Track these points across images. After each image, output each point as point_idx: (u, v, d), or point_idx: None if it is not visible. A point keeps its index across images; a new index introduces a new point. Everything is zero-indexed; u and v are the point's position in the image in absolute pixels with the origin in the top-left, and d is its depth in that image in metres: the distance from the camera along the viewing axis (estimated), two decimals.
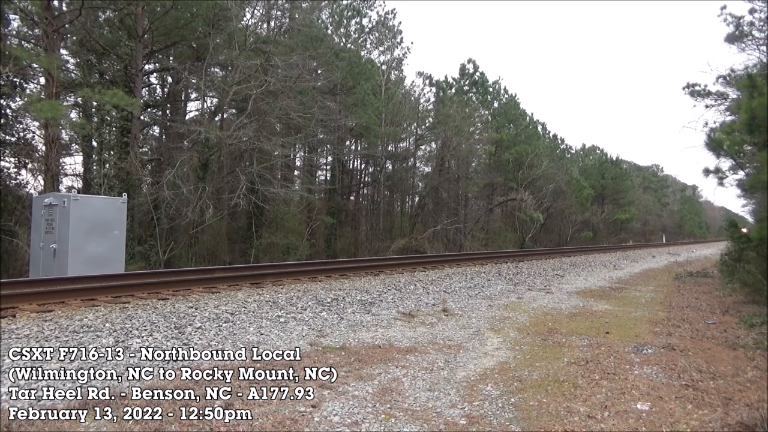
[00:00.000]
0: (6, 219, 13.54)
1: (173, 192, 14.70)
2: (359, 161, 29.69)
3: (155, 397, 3.82)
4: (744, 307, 9.40)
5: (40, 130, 15.10)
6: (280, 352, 5.32)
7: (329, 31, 23.67)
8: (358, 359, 5.17)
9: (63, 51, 16.13)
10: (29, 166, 15.58)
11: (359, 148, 28.01)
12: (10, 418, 3.36)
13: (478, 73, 34.90)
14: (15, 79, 14.28)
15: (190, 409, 3.64)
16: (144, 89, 18.10)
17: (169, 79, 19.74)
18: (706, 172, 12.01)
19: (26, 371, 4.23)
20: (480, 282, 11.70)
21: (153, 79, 19.92)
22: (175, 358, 4.89)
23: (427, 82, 31.95)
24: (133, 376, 4.35)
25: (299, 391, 4.15)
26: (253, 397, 3.96)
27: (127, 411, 3.55)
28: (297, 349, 5.48)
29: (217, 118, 19.73)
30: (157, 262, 14.83)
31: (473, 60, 34.90)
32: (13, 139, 15.01)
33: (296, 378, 4.48)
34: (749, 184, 10.42)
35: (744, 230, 12.76)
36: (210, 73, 18.16)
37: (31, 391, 3.87)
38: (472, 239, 28.82)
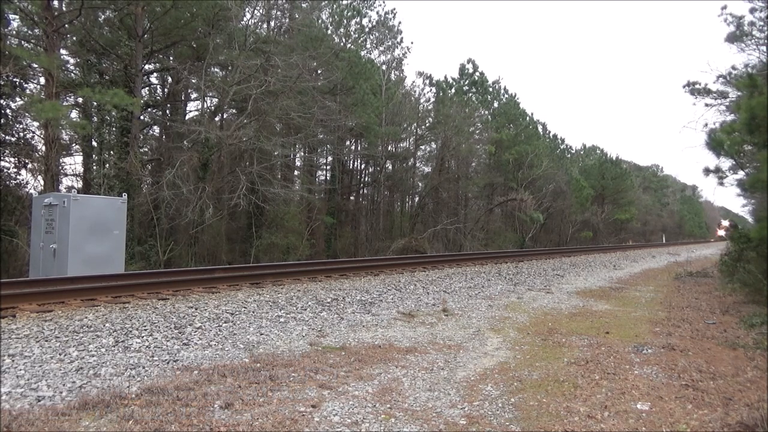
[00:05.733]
0: (6, 219, 13.53)
1: (173, 192, 14.69)
2: (359, 161, 29.70)
3: (155, 397, 3.82)
4: (744, 307, 9.40)
5: (40, 130, 15.10)
6: (280, 352, 5.32)
7: (329, 31, 23.67)
8: (358, 359, 5.17)
9: (63, 51, 16.15)
10: (29, 166, 15.58)
11: (359, 148, 28.02)
12: (10, 417, 3.36)
13: (477, 73, 34.93)
14: (15, 79, 14.28)
15: (190, 409, 3.64)
16: (144, 89, 18.11)
17: (169, 79, 19.74)
18: (706, 171, 12.00)
19: (26, 371, 4.23)
20: (480, 282, 11.70)
21: (153, 79, 19.93)
22: (175, 358, 4.89)
23: (427, 82, 32.01)
24: (133, 376, 4.36)
25: (299, 391, 4.16)
26: (253, 397, 3.96)
27: (127, 411, 3.56)
28: (297, 349, 5.48)
29: (217, 118, 19.73)
30: (157, 262, 14.83)
31: (473, 60, 34.96)
32: (13, 139, 15.01)
33: (296, 378, 4.48)
34: (749, 184, 10.41)
35: (725, 224, 12.84)
36: (210, 73, 18.16)
37: (31, 391, 3.87)
38: (472, 239, 28.81)
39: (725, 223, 65.15)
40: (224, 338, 5.67)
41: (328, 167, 27.16)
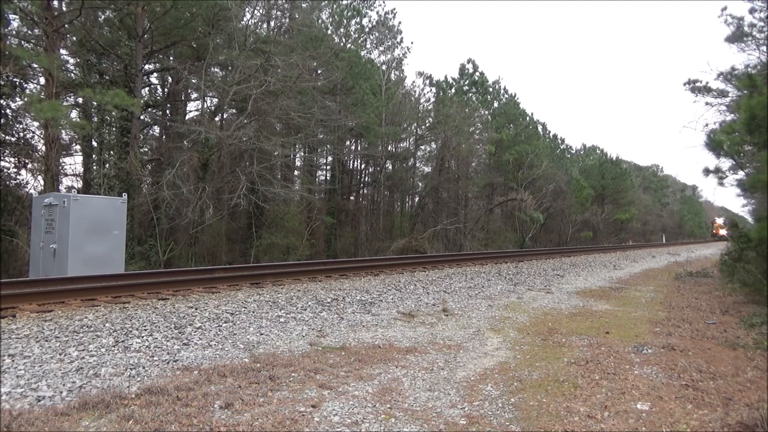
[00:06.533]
0: (6, 219, 13.53)
1: (173, 192, 14.69)
2: (359, 161, 29.71)
3: (155, 397, 3.82)
4: (744, 307, 9.40)
5: (40, 130, 15.10)
6: (280, 352, 5.33)
7: (329, 31, 23.67)
8: (358, 359, 5.17)
9: (63, 51, 16.15)
10: (29, 166, 15.59)
11: (359, 148, 28.02)
12: (10, 417, 3.36)
13: (477, 73, 34.94)
14: (15, 79, 14.28)
15: (190, 409, 3.64)
16: (144, 89, 18.11)
17: (169, 79, 19.74)
18: (706, 172, 12.00)
19: (26, 371, 4.23)
20: (480, 282, 11.70)
21: (153, 79, 19.93)
22: (175, 358, 4.89)
23: (427, 82, 32.02)
24: (133, 376, 4.36)
25: (299, 391, 4.16)
26: (253, 397, 3.96)
27: (127, 411, 3.56)
28: (297, 349, 5.48)
29: (217, 118, 19.74)
30: (157, 262, 14.83)
31: (473, 60, 34.97)
32: (13, 139, 15.01)
33: (296, 378, 4.48)
34: (749, 184, 10.41)
35: (719, 221, 12.86)
36: (210, 73, 18.16)
37: (31, 391, 3.87)
38: (472, 239, 28.81)
39: (719, 220, 63.62)
40: (224, 338, 5.67)
41: (328, 167, 27.17)
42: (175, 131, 18.33)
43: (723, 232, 61.52)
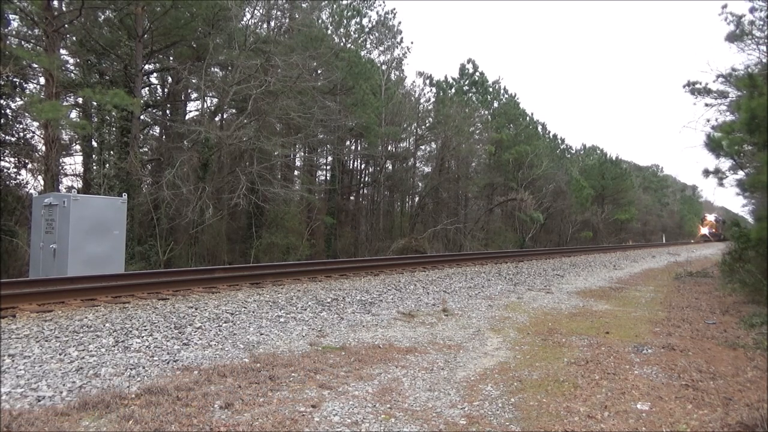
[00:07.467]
0: (6, 219, 13.53)
1: (173, 192, 14.69)
2: (359, 161, 29.72)
3: (155, 397, 3.82)
4: (744, 307, 9.40)
5: (40, 130, 15.10)
6: (280, 352, 5.33)
7: (329, 31, 23.68)
8: (358, 359, 5.17)
9: (63, 51, 16.15)
10: (29, 166, 15.58)
11: (359, 148, 28.03)
12: (10, 417, 3.36)
13: (477, 73, 34.97)
14: (15, 79, 14.27)
15: (190, 409, 3.64)
16: (144, 89, 18.11)
17: (169, 79, 19.74)
18: (706, 173, 12.02)
19: (26, 371, 4.24)
20: (480, 282, 11.70)
21: (153, 79, 19.93)
22: (175, 358, 4.89)
23: (427, 82, 32.03)
24: (133, 376, 4.36)
25: (299, 391, 4.16)
26: (253, 397, 3.96)
27: (127, 411, 3.56)
28: (297, 349, 5.48)
29: (217, 118, 19.74)
30: (157, 262, 14.83)
31: (473, 60, 35.01)
32: (13, 139, 15.01)
33: (296, 378, 4.48)
34: (749, 184, 10.42)
35: (711, 218, 12.81)
36: (210, 73, 18.16)
37: (31, 391, 3.87)
38: (472, 239, 28.82)
39: (711, 217, 60.28)
40: (224, 338, 5.67)
41: (328, 167, 27.18)
42: (175, 131, 18.33)
43: (705, 231, 58.26)
